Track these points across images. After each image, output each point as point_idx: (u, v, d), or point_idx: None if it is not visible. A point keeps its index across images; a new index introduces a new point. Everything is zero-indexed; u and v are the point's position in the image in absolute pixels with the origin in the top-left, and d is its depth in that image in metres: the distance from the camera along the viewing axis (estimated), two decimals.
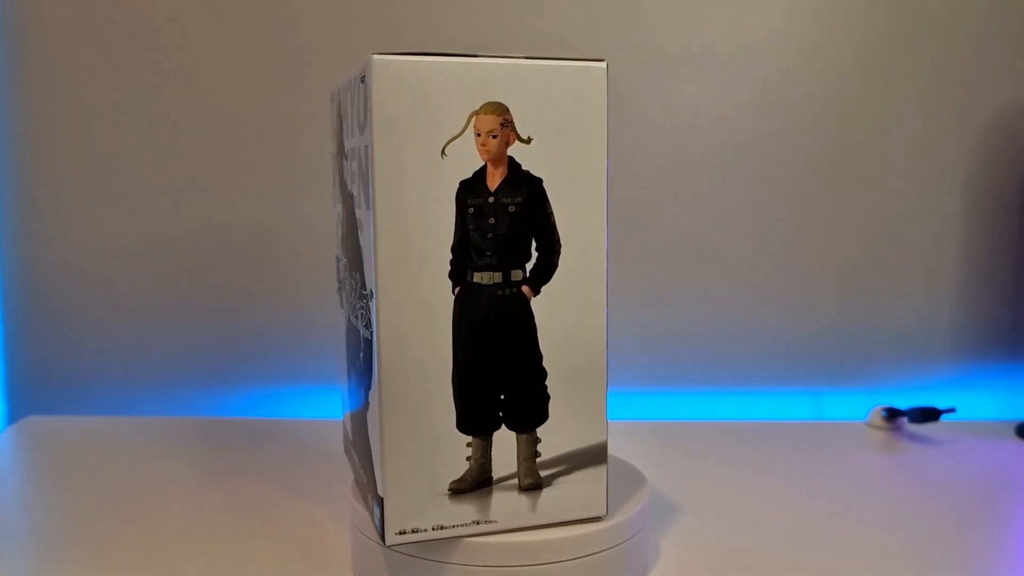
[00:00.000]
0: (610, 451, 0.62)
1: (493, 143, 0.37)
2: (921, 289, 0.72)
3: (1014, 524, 0.50)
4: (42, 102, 0.71)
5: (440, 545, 0.39)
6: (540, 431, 0.40)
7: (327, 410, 0.73)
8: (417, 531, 0.38)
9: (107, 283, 0.73)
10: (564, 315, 0.39)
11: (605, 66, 0.38)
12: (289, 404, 0.74)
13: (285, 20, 0.70)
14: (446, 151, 0.37)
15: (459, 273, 0.38)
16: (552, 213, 0.38)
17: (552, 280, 0.39)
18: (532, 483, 0.40)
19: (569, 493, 0.40)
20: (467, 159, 0.37)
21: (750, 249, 0.72)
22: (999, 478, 0.57)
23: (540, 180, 0.38)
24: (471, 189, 0.37)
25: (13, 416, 0.74)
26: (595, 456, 0.41)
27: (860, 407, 0.73)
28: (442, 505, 0.39)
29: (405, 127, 0.36)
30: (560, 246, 0.39)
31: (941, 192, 0.71)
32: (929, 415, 0.67)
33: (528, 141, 0.38)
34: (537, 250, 0.38)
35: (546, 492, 0.40)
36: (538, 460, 0.40)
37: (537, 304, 0.39)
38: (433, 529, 0.39)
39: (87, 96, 0.71)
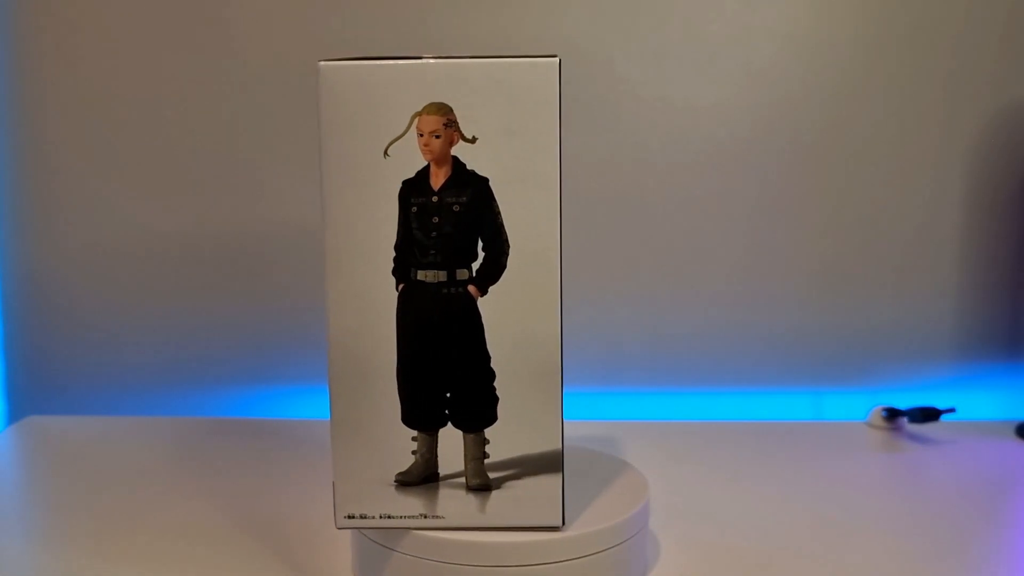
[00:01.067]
0: (610, 451, 0.61)
1: (436, 143, 0.37)
2: (921, 289, 0.72)
3: (1014, 524, 0.50)
4: (43, 102, 0.71)
5: (439, 545, 0.39)
6: (489, 432, 0.40)
7: (327, 410, 0.73)
8: (365, 517, 0.40)
9: (108, 283, 0.73)
10: (515, 317, 0.39)
11: (558, 62, 0.37)
12: (289, 404, 0.74)
13: (287, 20, 0.70)
14: (389, 152, 0.38)
15: (403, 271, 0.39)
16: (499, 213, 0.38)
17: (502, 281, 0.39)
18: (480, 484, 0.40)
19: (521, 498, 0.40)
20: (411, 159, 0.38)
21: (749, 248, 0.72)
22: (999, 478, 0.57)
23: (486, 180, 0.38)
24: (414, 188, 0.38)
25: (13, 416, 0.74)
26: (549, 464, 0.40)
27: (860, 407, 0.73)
28: (389, 495, 0.40)
29: (351, 130, 0.37)
30: (508, 246, 0.38)
31: (941, 191, 0.71)
32: (929, 415, 0.67)
33: (473, 140, 0.38)
34: (484, 250, 0.38)
35: (496, 494, 0.40)
36: (487, 462, 0.40)
37: (485, 304, 0.39)
38: (380, 517, 0.40)
39: (88, 95, 0.71)
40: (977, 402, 0.73)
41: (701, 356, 0.73)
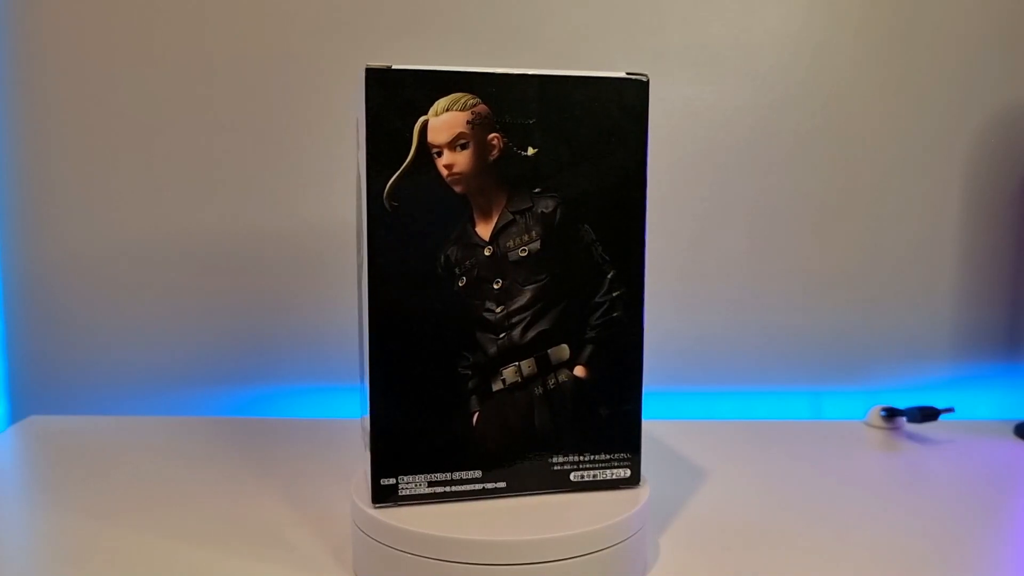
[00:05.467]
0: None
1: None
2: (921, 289, 0.73)
3: (1013, 524, 0.50)
4: (42, 102, 0.71)
5: (438, 544, 0.39)
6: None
7: (328, 410, 0.73)
8: None
9: (108, 283, 0.73)
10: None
11: (363, 75, 0.39)
12: (290, 404, 0.74)
13: (287, 22, 0.70)
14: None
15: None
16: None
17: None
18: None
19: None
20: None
21: (749, 249, 0.72)
22: (998, 478, 0.58)
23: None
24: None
25: (15, 415, 0.74)
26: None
27: (859, 407, 0.73)
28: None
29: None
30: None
31: (941, 192, 0.72)
32: (928, 415, 0.67)
33: (358, 146, 0.42)
34: None
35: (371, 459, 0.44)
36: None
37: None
38: None
39: (88, 96, 0.71)
40: (975, 402, 0.73)
41: (701, 356, 0.73)
